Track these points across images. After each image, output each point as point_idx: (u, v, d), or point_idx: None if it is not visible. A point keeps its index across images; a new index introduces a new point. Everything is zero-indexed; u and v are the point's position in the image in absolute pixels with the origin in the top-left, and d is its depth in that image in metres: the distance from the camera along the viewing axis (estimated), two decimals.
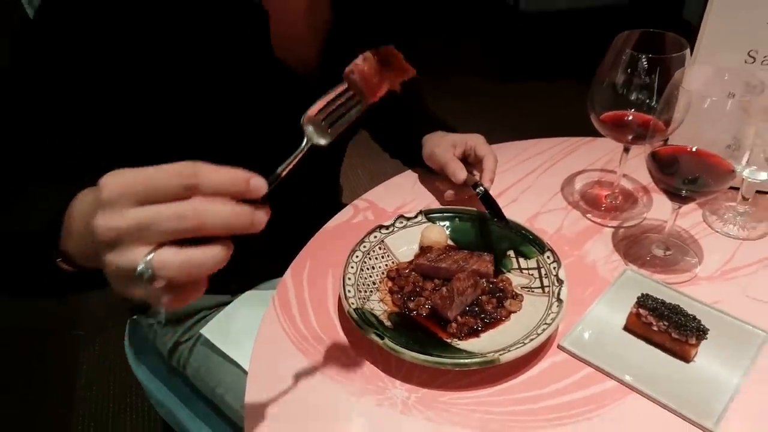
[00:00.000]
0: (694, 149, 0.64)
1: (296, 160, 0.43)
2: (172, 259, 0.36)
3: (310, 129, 0.44)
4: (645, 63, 0.66)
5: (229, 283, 0.91)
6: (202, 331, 0.88)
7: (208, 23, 0.63)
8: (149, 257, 0.35)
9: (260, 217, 0.38)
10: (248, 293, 0.91)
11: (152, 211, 0.36)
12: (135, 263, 0.35)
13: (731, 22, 0.71)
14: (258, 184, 0.38)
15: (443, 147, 0.79)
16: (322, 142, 0.44)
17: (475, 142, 0.78)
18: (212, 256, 0.37)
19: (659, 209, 0.79)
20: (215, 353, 0.86)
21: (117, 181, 0.37)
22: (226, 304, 0.91)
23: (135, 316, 1.04)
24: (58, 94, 0.58)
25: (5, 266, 0.54)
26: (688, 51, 0.65)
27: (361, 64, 0.45)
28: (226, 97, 0.67)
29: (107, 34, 0.58)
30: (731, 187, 0.78)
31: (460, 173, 0.75)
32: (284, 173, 0.42)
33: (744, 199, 0.75)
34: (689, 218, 0.78)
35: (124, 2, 0.58)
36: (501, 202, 0.79)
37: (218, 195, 0.37)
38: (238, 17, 0.64)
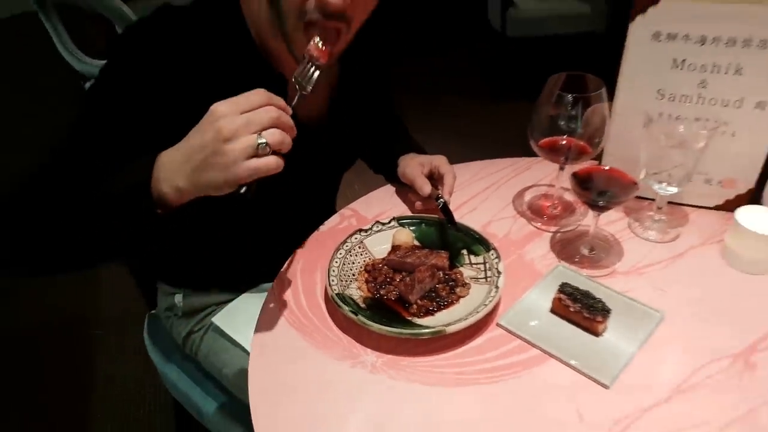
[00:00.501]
0: (606, 168, 0.80)
1: (294, 102, 0.68)
2: (274, 132, 0.62)
3: (297, 84, 0.70)
4: (570, 100, 0.82)
5: (238, 283, 1.07)
6: (213, 320, 1.04)
7: (237, 87, 0.80)
8: (261, 136, 0.61)
9: (293, 125, 0.65)
10: (252, 291, 1.07)
11: (254, 113, 0.62)
12: (253, 141, 0.61)
13: (642, 67, 0.88)
14: (288, 107, 0.66)
15: (413, 166, 0.96)
16: (308, 88, 0.70)
17: (439, 162, 0.95)
18: (287, 137, 0.63)
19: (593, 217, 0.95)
20: (223, 339, 1.02)
21: (225, 104, 0.62)
22: (233, 300, 1.07)
23: (153, 311, 1.20)
24: (111, 133, 0.75)
25: (110, 220, 0.69)
26: (604, 90, 0.82)
27: (314, 44, 0.71)
28: None
29: (151, 98, 0.75)
30: (651, 199, 0.95)
31: (425, 188, 0.92)
32: (293, 103, 0.68)
33: (659, 209, 0.92)
34: (616, 225, 0.94)
35: (165, 73, 0.75)
36: (462, 211, 0.96)
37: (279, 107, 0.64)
38: (262, 83, 0.82)
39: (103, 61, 0.79)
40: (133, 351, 1.77)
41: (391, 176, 1.04)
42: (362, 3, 0.76)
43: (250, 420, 0.68)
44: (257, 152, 0.61)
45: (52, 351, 1.83)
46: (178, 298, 1.07)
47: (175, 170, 0.64)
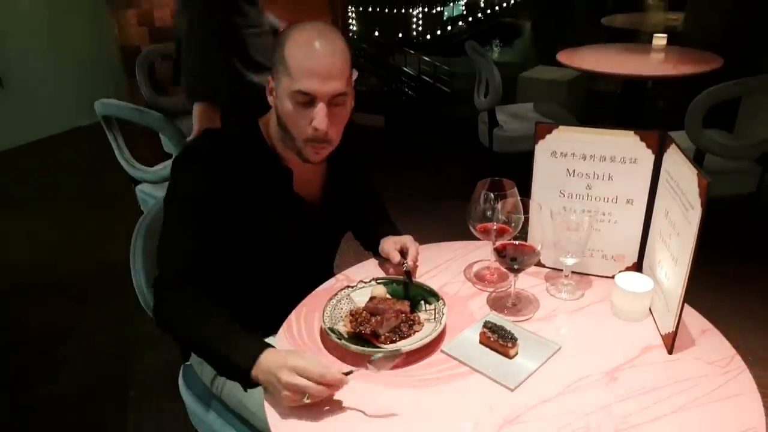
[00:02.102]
0: (517, 243, 1.15)
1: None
2: (311, 398, 0.94)
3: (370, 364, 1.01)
4: (493, 197, 1.19)
5: (258, 330, 1.39)
6: None
7: (262, 179, 1.21)
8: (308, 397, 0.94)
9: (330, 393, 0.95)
10: (269, 338, 1.39)
11: (305, 383, 0.92)
12: (300, 399, 0.94)
13: (546, 175, 1.26)
14: (345, 383, 0.95)
15: (389, 243, 1.33)
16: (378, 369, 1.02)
17: (406, 240, 1.33)
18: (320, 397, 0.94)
19: (520, 282, 1.29)
20: None
21: (288, 370, 0.94)
22: None
23: (188, 362, 1.51)
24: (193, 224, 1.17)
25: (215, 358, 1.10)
26: (515, 189, 1.19)
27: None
28: (269, 219, 1.25)
29: (209, 191, 1.16)
30: (559, 269, 1.29)
31: (396, 258, 1.28)
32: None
33: (566, 276, 1.25)
34: (537, 288, 1.27)
35: (215, 175, 1.17)
36: (428, 276, 1.31)
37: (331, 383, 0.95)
38: (276, 175, 1.24)
39: (150, 168, 1.22)
40: (162, 402, 2.07)
41: (375, 252, 1.40)
42: (338, 122, 1.17)
43: None
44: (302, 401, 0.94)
45: (91, 410, 2.13)
46: None
47: (261, 368, 0.99)
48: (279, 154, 1.25)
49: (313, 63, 1.11)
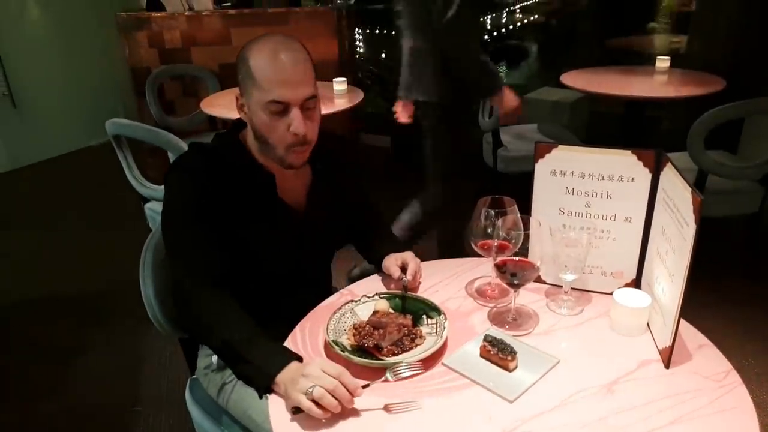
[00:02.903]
0: (516, 259, 1.18)
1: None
2: (320, 390, 0.96)
3: (392, 374, 1.06)
4: (493, 214, 1.22)
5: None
6: None
7: (247, 185, 1.28)
8: (313, 388, 0.96)
9: (350, 398, 0.98)
10: None
11: (322, 376, 0.98)
12: (307, 386, 0.97)
13: (546, 193, 1.29)
14: (357, 394, 0.99)
15: (390, 260, 1.37)
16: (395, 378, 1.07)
17: (407, 256, 1.36)
18: (327, 397, 0.96)
19: (521, 298, 1.31)
20: (249, 387, 1.35)
21: (315, 364, 1.01)
22: None
23: (194, 376, 1.54)
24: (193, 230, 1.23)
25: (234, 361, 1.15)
26: (515, 206, 1.22)
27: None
28: (255, 227, 1.30)
29: (202, 199, 1.23)
30: (559, 285, 1.31)
31: (396, 273, 1.32)
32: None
33: (565, 292, 1.28)
34: (538, 304, 1.30)
35: (204, 185, 1.24)
36: (430, 291, 1.34)
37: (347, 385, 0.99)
38: (260, 181, 1.30)
39: (159, 186, 1.28)
40: (167, 416, 2.08)
41: (379, 268, 1.43)
42: (312, 123, 1.25)
43: None
44: (307, 394, 0.96)
45: (99, 424, 2.14)
46: (215, 357, 1.42)
47: (282, 375, 1.04)
48: (261, 164, 1.31)
49: (282, 72, 1.18)
